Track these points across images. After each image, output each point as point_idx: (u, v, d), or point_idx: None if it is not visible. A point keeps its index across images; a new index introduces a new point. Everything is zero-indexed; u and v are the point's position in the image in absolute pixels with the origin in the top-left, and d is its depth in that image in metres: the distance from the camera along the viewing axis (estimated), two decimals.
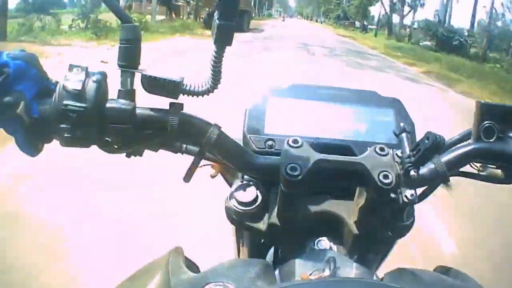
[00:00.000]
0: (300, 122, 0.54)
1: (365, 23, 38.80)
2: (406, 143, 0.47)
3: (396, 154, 0.46)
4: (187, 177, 0.49)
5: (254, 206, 0.48)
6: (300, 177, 0.41)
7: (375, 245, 0.52)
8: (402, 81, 8.30)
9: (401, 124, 0.51)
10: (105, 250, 1.80)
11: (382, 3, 31.74)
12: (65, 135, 0.40)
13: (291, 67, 7.85)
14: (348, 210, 0.49)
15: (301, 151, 0.43)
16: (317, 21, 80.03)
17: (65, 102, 0.39)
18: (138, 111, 0.43)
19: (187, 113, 0.44)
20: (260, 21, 36.10)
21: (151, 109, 0.44)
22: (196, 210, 2.13)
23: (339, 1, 57.55)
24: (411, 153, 0.44)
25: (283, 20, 55.40)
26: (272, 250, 0.55)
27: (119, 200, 2.20)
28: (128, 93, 0.43)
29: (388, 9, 30.11)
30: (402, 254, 1.50)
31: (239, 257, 0.61)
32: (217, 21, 0.40)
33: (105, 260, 1.72)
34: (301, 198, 0.46)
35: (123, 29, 0.42)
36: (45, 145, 0.44)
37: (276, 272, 0.43)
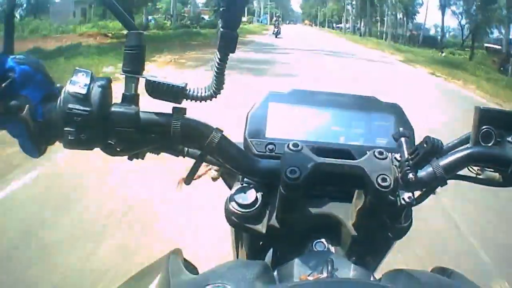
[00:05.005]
0: (301, 126, 0.54)
1: None
2: (405, 147, 0.48)
3: (395, 158, 0.47)
4: (188, 179, 0.49)
5: (253, 208, 0.49)
6: (299, 180, 0.42)
7: (373, 247, 0.52)
8: None
9: (400, 129, 0.52)
10: None
11: None
12: (69, 137, 0.41)
13: None
14: (346, 212, 0.50)
15: (301, 155, 0.44)
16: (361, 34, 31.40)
17: (69, 106, 0.40)
18: (141, 115, 0.44)
19: (190, 117, 0.45)
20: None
21: (155, 113, 0.44)
22: None
23: None
24: (409, 157, 0.45)
25: (276, 33, 21.39)
26: (270, 251, 0.55)
27: None
28: (132, 98, 0.44)
29: None
30: None
31: (237, 258, 0.61)
32: (221, 29, 0.41)
33: None
34: (300, 200, 0.47)
35: (128, 36, 0.43)
36: None
37: (275, 273, 0.43)
